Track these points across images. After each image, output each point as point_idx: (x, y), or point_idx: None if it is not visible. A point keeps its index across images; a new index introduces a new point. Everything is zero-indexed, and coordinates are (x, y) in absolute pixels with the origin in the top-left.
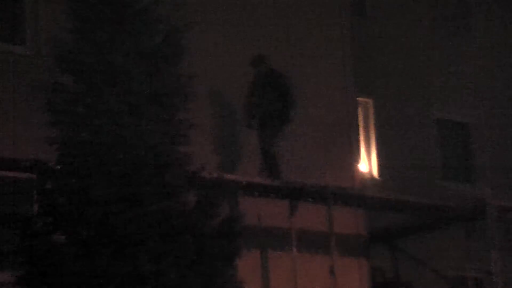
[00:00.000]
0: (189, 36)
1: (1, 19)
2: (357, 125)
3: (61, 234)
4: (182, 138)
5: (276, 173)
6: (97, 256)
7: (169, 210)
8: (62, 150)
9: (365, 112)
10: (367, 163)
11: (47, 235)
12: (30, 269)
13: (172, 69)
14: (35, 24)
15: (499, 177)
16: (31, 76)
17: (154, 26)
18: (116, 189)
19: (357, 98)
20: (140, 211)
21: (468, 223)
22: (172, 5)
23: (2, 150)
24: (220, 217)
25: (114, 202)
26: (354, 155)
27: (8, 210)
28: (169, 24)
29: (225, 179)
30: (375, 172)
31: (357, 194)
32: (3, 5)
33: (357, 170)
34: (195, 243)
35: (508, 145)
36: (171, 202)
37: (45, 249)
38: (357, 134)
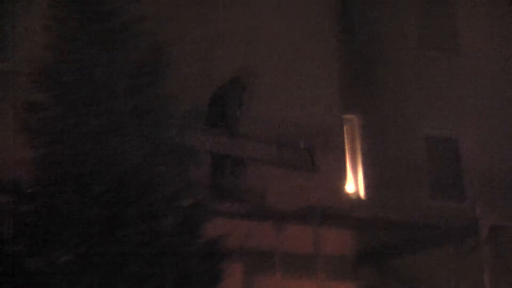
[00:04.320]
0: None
1: None
2: (343, 144)
3: (38, 258)
4: (165, 157)
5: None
6: (75, 283)
7: (151, 231)
8: (38, 171)
9: (351, 130)
10: (354, 183)
11: (23, 260)
12: None
13: (155, 86)
14: (13, 41)
15: (491, 194)
16: (10, 94)
17: (137, 41)
18: (97, 209)
19: (343, 116)
20: (122, 233)
21: (458, 243)
22: (156, 21)
23: None
24: (204, 238)
25: (94, 223)
26: (340, 175)
27: None
28: (152, 40)
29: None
30: (361, 192)
31: (343, 215)
32: None
33: (344, 191)
34: (178, 265)
35: (498, 160)
36: (154, 223)
37: (21, 276)
38: (343, 154)
